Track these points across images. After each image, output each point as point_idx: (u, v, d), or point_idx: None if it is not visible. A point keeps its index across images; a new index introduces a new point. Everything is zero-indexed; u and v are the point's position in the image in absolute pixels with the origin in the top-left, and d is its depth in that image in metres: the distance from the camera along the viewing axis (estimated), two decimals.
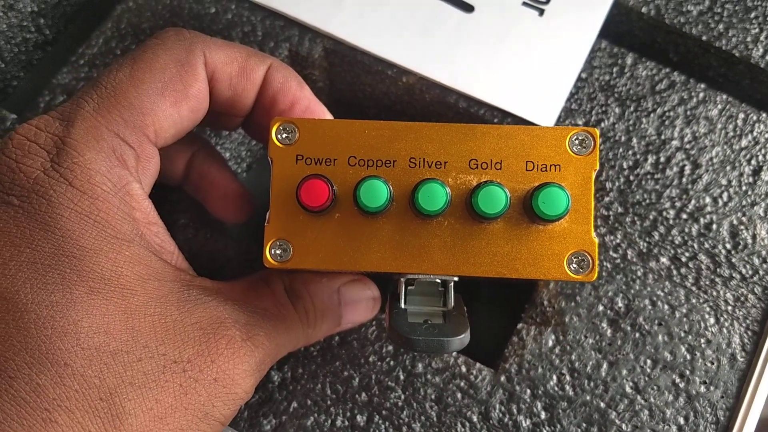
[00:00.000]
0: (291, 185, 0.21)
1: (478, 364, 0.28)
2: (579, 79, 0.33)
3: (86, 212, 0.20)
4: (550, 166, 0.21)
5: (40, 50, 0.38)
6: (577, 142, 0.21)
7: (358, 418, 0.27)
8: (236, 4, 0.34)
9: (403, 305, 0.21)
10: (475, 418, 0.27)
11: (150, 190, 0.23)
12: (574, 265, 0.21)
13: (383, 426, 0.27)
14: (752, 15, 0.35)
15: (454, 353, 0.28)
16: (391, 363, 0.28)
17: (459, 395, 0.27)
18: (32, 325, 0.19)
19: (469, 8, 0.34)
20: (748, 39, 0.35)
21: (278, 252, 0.21)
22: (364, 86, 0.35)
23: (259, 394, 0.27)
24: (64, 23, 0.38)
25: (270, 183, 0.22)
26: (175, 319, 0.21)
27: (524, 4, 0.34)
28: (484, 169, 0.22)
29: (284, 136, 0.22)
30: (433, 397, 0.27)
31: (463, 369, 0.27)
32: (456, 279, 0.22)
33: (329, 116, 0.27)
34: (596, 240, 0.21)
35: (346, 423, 0.27)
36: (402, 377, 0.27)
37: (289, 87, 0.26)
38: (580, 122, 0.32)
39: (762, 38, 0.35)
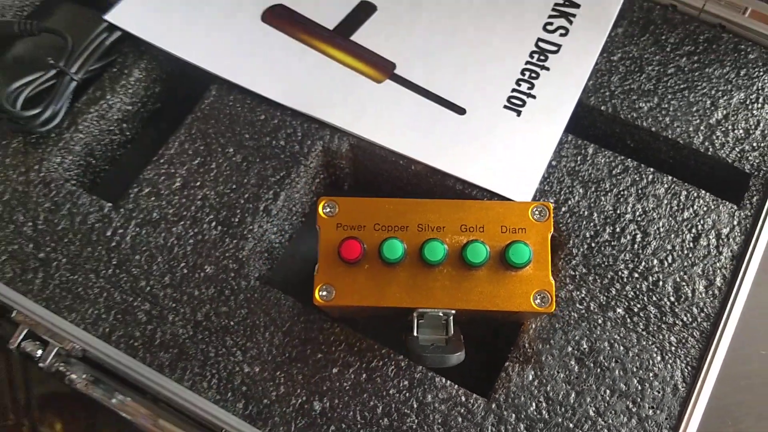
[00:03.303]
0: (333, 245, 0.30)
1: (474, 395, 0.35)
2: (550, 165, 0.41)
3: None
4: (518, 229, 0.30)
5: (123, 148, 0.47)
6: (537, 212, 0.30)
7: None
8: (281, 112, 0.43)
9: (415, 333, 0.30)
10: None
11: None
12: (538, 300, 0.29)
13: None
14: (694, 109, 0.44)
15: (456, 387, 0.35)
16: (407, 395, 0.35)
17: (460, 419, 0.35)
18: None
19: (461, 111, 0.43)
20: (690, 129, 0.43)
21: (324, 294, 0.30)
22: (382, 172, 0.44)
23: (305, 420, 0.35)
24: (141, 126, 0.48)
25: (317, 245, 0.30)
26: None
27: (505, 107, 0.43)
28: (471, 232, 0.30)
29: (328, 210, 0.31)
30: (439, 421, 0.35)
31: (463, 398, 0.35)
32: (453, 312, 0.30)
33: None
34: (553, 282, 0.29)
35: None
36: (415, 405, 0.35)
37: None
38: (551, 200, 0.40)
39: (702, 128, 0.43)
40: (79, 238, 0.40)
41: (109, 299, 0.38)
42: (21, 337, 0.39)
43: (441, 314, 0.30)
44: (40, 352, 0.39)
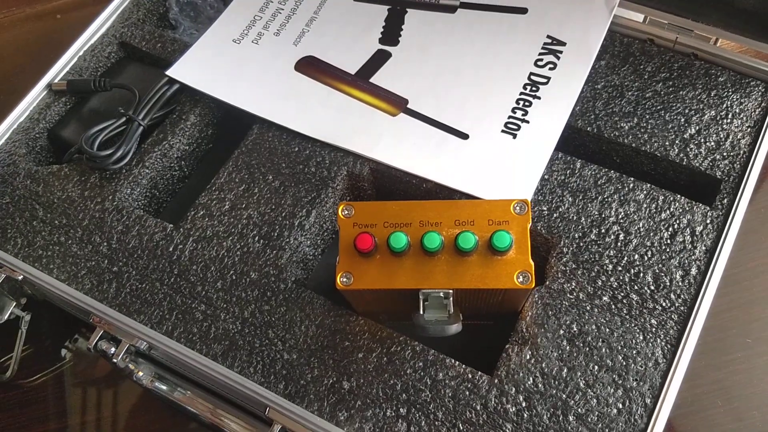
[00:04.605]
0: (350, 239, 0.37)
1: (479, 372, 0.41)
2: (542, 179, 0.48)
3: None
4: (502, 221, 0.36)
5: (181, 183, 0.55)
6: (517, 208, 0.37)
7: (401, 410, 0.40)
8: (311, 144, 0.51)
9: (422, 313, 0.36)
10: (478, 407, 0.40)
11: None
12: (521, 279, 0.35)
13: (418, 414, 0.40)
14: (669, 126, 0.50)
15: (464, 366, 0.41)
16: (422, 374, 0.41)
17: (467, 393, 0.40)
18: None
19: (465, 136, 0.50)
20: (667, 143, 0.49)
21: (344, 279, 0.37)
22: (398, 191, 0.51)
23: (336, 397, 0.41)
24: (196, 163, 0.56)
25: (338, 241, 0.37)
26: None
27: (502, 131, 0.50)
28: (463, 225, 0.37)
29: (346, 212, 0.38)
30: (450, 394, 0.40)
31: (470, 376, 0.41)
32: (451, 291, 0.36)
33: None
34: (532, 263, 0.35)
35: (393, 413, 0.40)
36: (429, 382, 0.41)
37: None
38: (544, 208, 0.47)
39: (677, 142, 0.49)
40: (146, 254, 0.48)
41: (171, 302, 0.46)
42: (97, 337, 0.47)
43: (442, 295, 0.36)
44: (113, 349, 0.46)
